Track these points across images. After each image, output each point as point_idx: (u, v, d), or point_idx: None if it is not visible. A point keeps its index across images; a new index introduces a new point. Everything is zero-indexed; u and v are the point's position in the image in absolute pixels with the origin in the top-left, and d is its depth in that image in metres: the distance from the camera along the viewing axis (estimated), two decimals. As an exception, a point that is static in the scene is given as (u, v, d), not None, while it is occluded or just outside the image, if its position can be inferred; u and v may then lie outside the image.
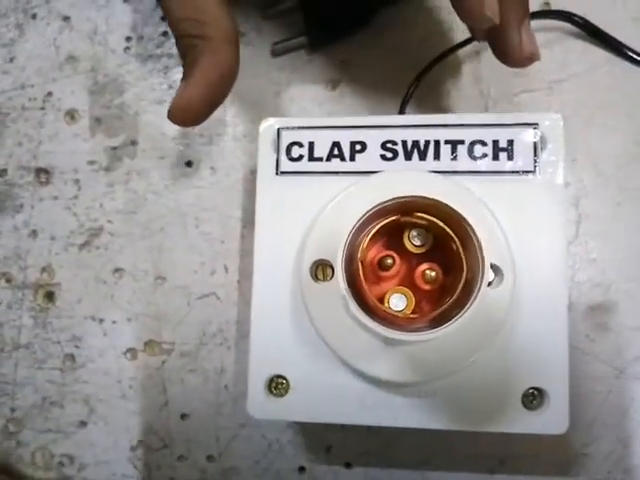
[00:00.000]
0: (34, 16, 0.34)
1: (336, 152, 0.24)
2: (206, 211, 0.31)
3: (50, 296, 0.32)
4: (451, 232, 0.18)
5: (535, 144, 0.24)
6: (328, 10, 0.31)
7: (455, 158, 0.24)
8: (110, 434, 0.31)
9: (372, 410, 0.23)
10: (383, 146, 0.24)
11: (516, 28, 0.23)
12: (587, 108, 0.30)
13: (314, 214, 0.24)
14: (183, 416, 0.31)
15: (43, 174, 0.33)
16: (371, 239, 0.19)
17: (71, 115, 0.33)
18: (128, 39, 0.34)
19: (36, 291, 0.32)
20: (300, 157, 0.25)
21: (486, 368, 0.23)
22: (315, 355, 0.24)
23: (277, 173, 0.25)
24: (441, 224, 0.18)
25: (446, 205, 0.17)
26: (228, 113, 0.32)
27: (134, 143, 0.32)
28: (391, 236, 0.20)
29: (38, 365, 0.32)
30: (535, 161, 0.24)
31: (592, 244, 0.29)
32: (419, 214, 0.18)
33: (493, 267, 0.22)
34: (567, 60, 0.31)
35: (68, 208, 0.32)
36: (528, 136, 0.24)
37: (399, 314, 0.19)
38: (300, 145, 0.25)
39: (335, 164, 0.24)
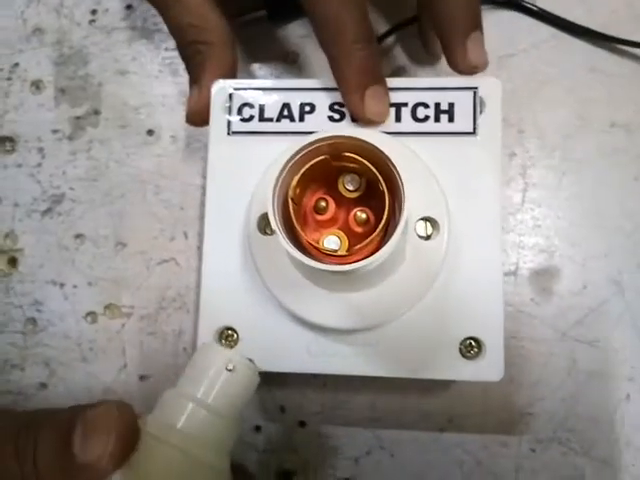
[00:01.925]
0: (2, -10, 0.35)
1: (286, 113, 0.25)
2: (166, 179, 0.32)
3: (13, 262, 0.33)
4: (375, 170, 0.19)
5: (474, 107, 0.25)
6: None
7: (399, 120, 0.25)
8: (70, 396, 0.31)
9: (317, 359, 0.24)
10: (331, 108, 0.25)
11: (460, 41, 0.25)
12: (534, 82, 0.31)
13: (263, 172, 0.25)
14: (142, 378, 0.31)
15: (8, 142, 0.34)
16: (304, 182, 0.20)
17: (36, 85, 0.34)
18: (93, 12, 0.34)
19: (-1, 257, 0.33)
20: (251, 118, 0.26)
21: (425, 317, 0.24)
22: (263, 307, 0.24)
23: (229, 133, 0.26)
24: (367, 163, 0.19)
25: (370, 144, 0.18)
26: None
27: (97, 113, 0.33)
28: (327, 182, 0.21)
29: (0, 329, 0.32)
30: (474, 123, 0.25)
31: (537, 211, 0.31)
32: (348, 154, 0.19)
33: (430, 220, 0.23)
34: (515, 36, 0.32)
35: (32, 175, 0.33)
36: (468, 99, 0.25)
37: (332, 253, 0.20)
38: (251, 106, 0.26)
39: (285, 124, 0.25)
